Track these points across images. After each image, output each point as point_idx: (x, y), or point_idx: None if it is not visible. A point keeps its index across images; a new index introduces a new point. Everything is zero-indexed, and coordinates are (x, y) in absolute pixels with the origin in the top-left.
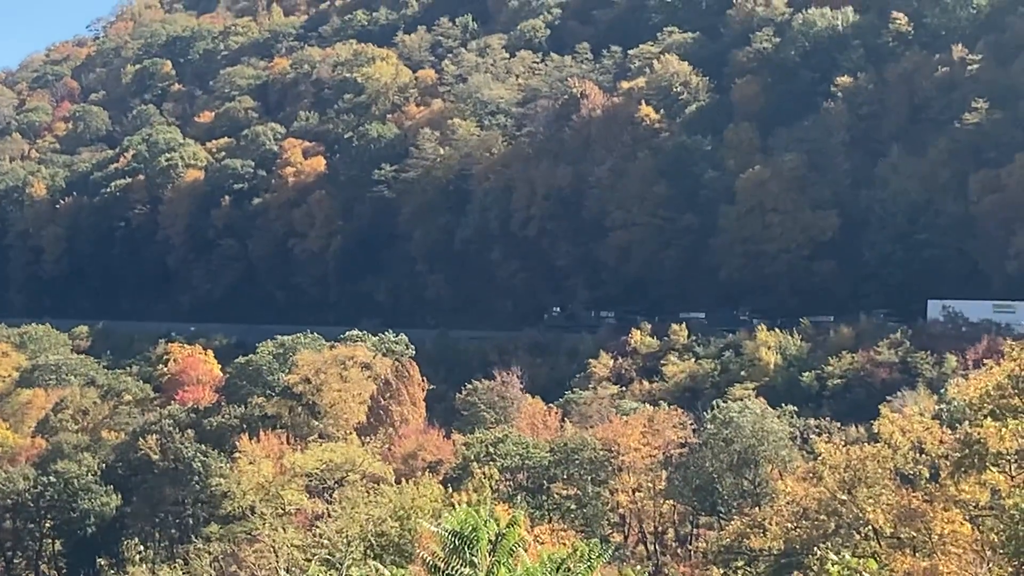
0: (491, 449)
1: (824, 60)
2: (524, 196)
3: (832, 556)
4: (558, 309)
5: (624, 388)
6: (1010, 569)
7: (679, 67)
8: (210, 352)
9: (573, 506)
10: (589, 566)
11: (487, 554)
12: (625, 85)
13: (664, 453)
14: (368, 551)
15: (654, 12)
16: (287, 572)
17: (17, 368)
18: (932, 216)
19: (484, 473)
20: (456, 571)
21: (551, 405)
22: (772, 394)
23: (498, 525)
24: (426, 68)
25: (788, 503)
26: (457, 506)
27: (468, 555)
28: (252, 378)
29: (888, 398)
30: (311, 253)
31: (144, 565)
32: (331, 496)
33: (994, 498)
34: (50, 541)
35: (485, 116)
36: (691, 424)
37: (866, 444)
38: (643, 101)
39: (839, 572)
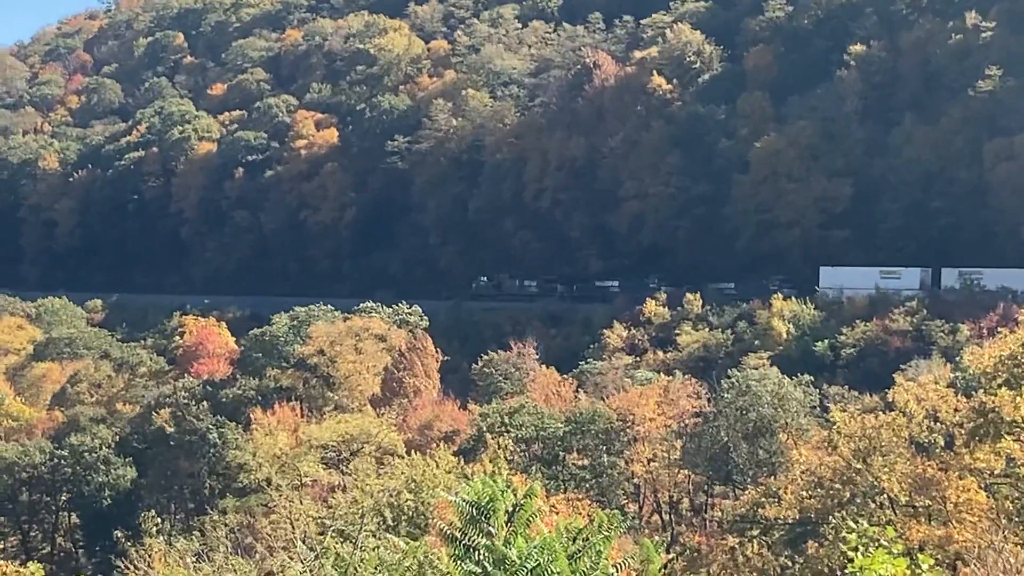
0: (507, 420)
1: (837, 28)
2: (537, 167)
3: (851, 524)
4: (484, 279)
5: (638, 358)
6: None
7: (692, 36)
8: (224, 324)
9: (588, 476)
10: (606, 536)
11: (504, 524)
12: (638, 55)
13: (679, 423)
14: (382, 523)
15: None
16: (303, 543)
17: (32, 341)
18: (945, 184)
19: (498, 444)
20: (473, 541)
21: (566, 376)
22: (786, 363)
23: (515, 496)
24: (438, 39)
25: (803, 472)
26: (472, 477)
27: (485, 525)
28: (267, 350)
29: (902, 367)
30: (324, 225)
31: (161, 537)
32: (346, 468)
33: (1009, 466)
34: (66, 514)
35: (498, 87)
36: (705, 394)
37: (881, 413)
38: (656, 71)
39: (857, 540)
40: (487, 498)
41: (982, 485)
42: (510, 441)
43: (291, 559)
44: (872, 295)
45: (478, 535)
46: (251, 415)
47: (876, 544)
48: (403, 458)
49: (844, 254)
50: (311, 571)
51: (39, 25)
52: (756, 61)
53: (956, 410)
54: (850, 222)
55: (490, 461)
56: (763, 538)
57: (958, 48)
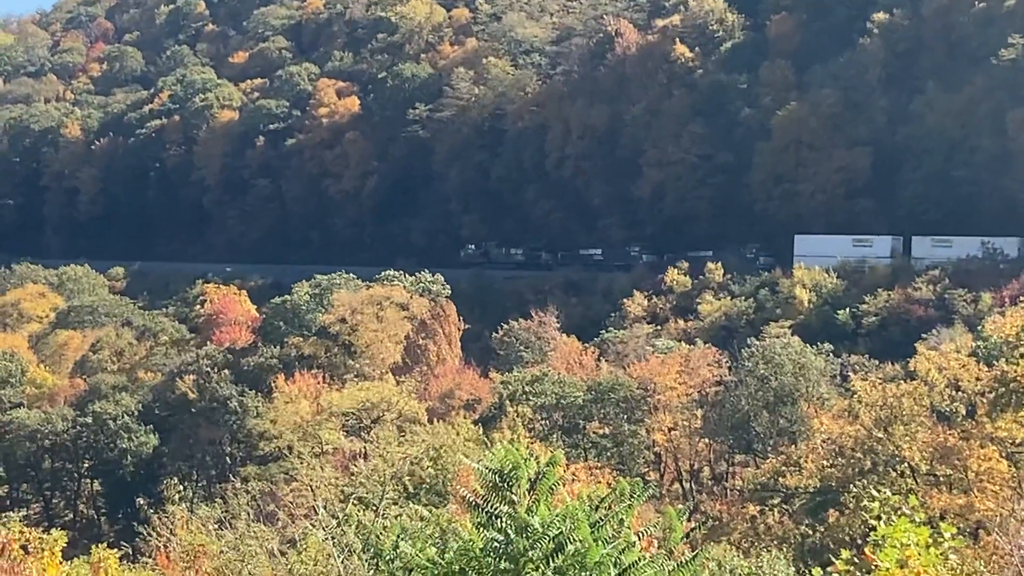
0: (528, 388)
1: None
2: (559, 135)
3: (873, 492)
4: (472, 247)
5: (659, 327)
6: None
7: (714, 4)
8: (245, 293)
9: (609, 444)
10: (629, 505)
11: (526, 493)
12: (660, 23)
13: (700, 391)
14: (404, 491)
15: None
16: (325, 511)
17: (54, 309)
18: (968, 153)
19: (517, 412)
20: (495, 509)
21: (587, 344)
22: (807, 332)
23: (537, 464)
24: (460, 7)
25: (824, 441)
26: (493, 445)
27: (508, 493)
28: (288, 318)
29: (924, 335)
30: (346, 194)
31: (183, 504)
32: (368, 436)
33: None
34: (88, 481)
35: (519, 55)
36: (726, 362)
37: (902, 382)
38: (678, 39)
39: (879, 509)
40: (510, 466)
41: (1004, 454)
42: (529, 409)
43: (313, 526)
44: (890, 262)
45: (501, 503)
46: (273, 383)
47: (898, 513)
48: (425, 426)
49: (866, 222)
50: (333, 538)
51: None
52: (779, 29)
53: (978, 379)
54: (872, 190)
55: (509, 428)
56: (784, 507)
57: (981, 16)
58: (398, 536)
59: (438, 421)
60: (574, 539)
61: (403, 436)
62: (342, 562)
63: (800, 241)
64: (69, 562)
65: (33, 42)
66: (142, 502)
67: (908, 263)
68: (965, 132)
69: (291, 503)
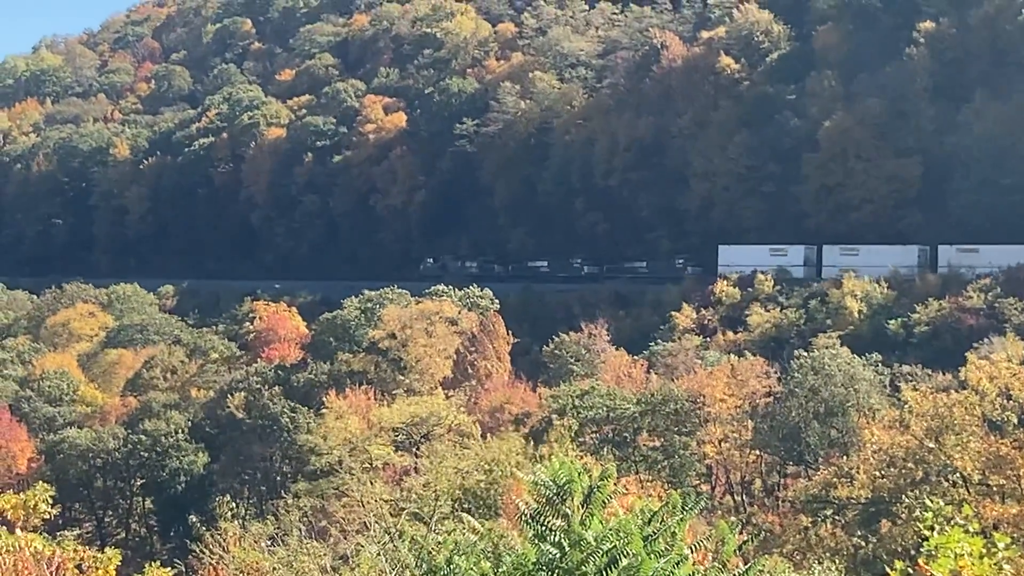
0: (577, 402)
1: (905, 5)
2: (605, 148)
3: (928, 502)
4: (431, 260)
5: (708, 339)
6: None
7: (759, 16)
8: (294, 309)
9: (660, 457)
10: (681, 518)
11: (579, 507)
12: (705, 35)
13: (750, 403)
14: (456, 505)
15: None
16: (377, 526)
17: (103, 328)
18: (1018, 161)
19: (564, 424)
20: (549, 523)
21: (636, 357)
22: (857, 343)
23: (590, 477)
24: (505, 21)
25: (875, 452)
26: (541, 458)
27: (562, 507)
28: (338, 334)
29: (975, 344)
30: (393, 209)
31: (236, 521)
32: (418, 451)
33: None
34: (140, 499)
35: (565, 69)
36: (775, 374)
37: (954, 391)
38: (724, 51)
39: (932, 519)
40: (564, 479)
41: None
42: (575, 423)
43: (366, 542)
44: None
45: (554, 516)
46: (323, 399)
47: (951, 523)
48: (478, 440)
49: (915, 232)
50: (386, 554)
51: (108, 13)
52: (824, 40)
53: None
54: (921, 200)
55: (556, 442)
56: (836, 518)
57: None
58: (452, 551)
59: (490, 435)
60: (627, 553)
61: (455, 450)
62: None
63: (724, 251)
64: None
65: (81, 63)
66: (194, 519)
67: (819, 271)
68: (1014, 140)
69: (343, 519)
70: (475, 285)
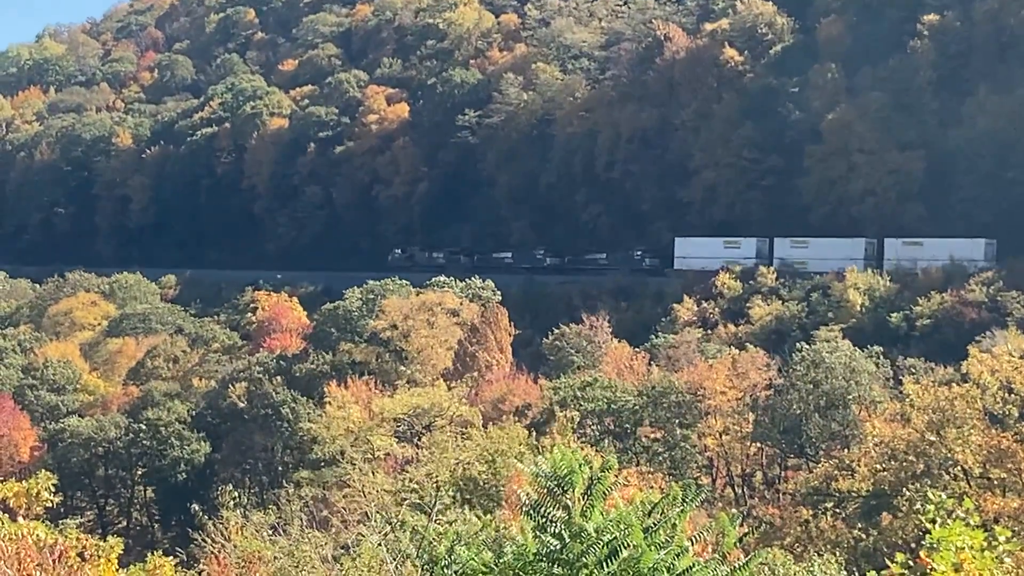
0: (579, 393)
1: None
2: (608, 139)
3: (929, 495)
4: (399, 251)
5: (709, 332)
6: None
7: (763, 8)
8: (296, 299)
9: (660, 449)
10: (682, 510)
11: (580, 498)
12: (709, 27)
13: (751, 395)
14: (457, 495)
15: None
16: (378, 516)
17: (106, 317)
18: (1021, 155)
19: (566, 416)
20: (549, 514)
21: (637, 349)
22: (859, 336)
23: (591, 469)
24: (508, 13)
25: (876, 444)
26: (543, 450)
27: (563, 498)
28: (340, 325)
29: (977, 338)
30: (395, 200)
31: (237, 511)
32: (419, 441)
33: None
34: (142, 488)
35: (568, 60)
36: (776, 366)
37: (956, 385)
38: (727, 43)
39: (933, 512)
40: (565, 470)
41: None
42: (576, 414)
43: (367, 532)
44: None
45: (555, 508)
46: (325, 389)
47: (952, 516)
48: (479, 430)
49: (917, 225)
50: (387, 544)
51: (111, 2)
52: (828, 32)
53: None
54: (923, 193)
55: (557, 433)
56: (837, 510)
57: None
58: (454, 541)
59: (492, 426)
60: (628, 544)
61: (457, 441)
62: (396, 567)
63: (680, 243)
64: (125, 569)
65: (84, 52)
66: (196, 508)
67: (772, 262)
68: (1017, 134)
69: (344, 508)
70: (477, 277)
